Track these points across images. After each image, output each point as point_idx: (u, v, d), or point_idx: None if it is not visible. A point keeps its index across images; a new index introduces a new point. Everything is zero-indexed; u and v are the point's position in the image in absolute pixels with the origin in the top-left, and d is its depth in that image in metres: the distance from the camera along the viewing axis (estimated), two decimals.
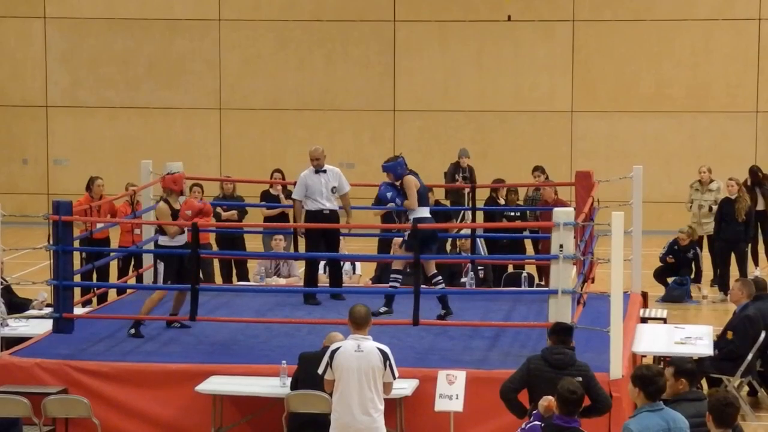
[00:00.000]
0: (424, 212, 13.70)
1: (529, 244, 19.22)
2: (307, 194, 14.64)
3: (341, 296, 14.61)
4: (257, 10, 26.95)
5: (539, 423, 8.35)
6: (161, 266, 13.09)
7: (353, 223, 14.91)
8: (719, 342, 13.52)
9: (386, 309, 13.61)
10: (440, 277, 13.77)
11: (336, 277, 14.99)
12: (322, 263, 16.83)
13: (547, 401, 8.53)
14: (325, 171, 14.69)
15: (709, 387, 13.13)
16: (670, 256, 19.18)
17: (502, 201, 18.66)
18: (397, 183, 13.71)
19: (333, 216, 14.70)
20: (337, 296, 14.69)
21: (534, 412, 8.85)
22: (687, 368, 8.89)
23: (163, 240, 13.22)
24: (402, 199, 13.62)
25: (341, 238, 16.75)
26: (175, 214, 13.20)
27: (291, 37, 26.85)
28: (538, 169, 19.44)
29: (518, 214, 18.30)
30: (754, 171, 20.60)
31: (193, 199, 13.63)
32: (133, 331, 13.17)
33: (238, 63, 27.01)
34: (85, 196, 17.33)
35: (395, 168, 13.71)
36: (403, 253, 13.76)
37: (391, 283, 13.75)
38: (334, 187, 14.69)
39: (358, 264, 16.77)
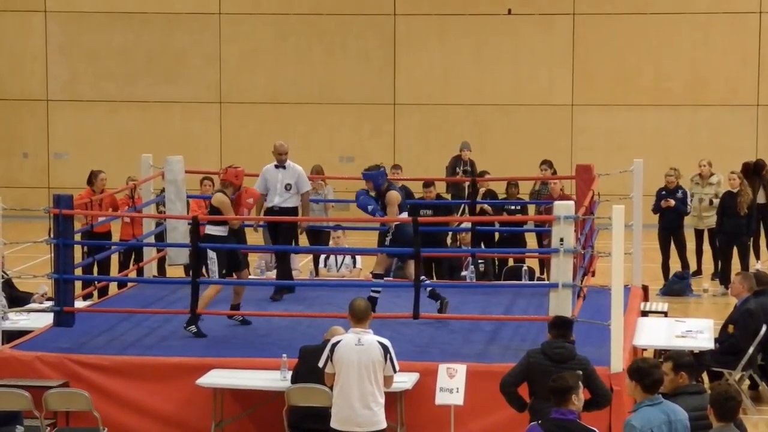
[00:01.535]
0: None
1: (530, 238, 19.21)
2: (266, 189, 14.67)
3: (292, 289, 14.75)
4: (257, 3, 26.95)
5: (537, 423, 8.31)
6: (213, 255, 13.03)
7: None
8: (720, 336, 13.53)
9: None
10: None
11: (284, 270, 14.94)
12: (322, 257, 16.85)
13: None
14: (284, 167, 14.66)
15: (710, 381, 13.14)
16: (664, 200, 19.13)
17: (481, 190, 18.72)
18: (374, 192, 13.70)
19: (284, 213, 14.66)
20: (289, 290, 14.76)
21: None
22: (686, 361, 8.89)
23: (213, 230, 13.19)
24: (382, 214, 13.60)
25: (342, 232, 16.74)
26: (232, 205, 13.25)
27: (290, 30, 26.85)
28: (545, 163, 19.33)
29: (519, 207, 18.29)
30: (761, 164, 20.51)
31: (252, 188, 13.77)
32: (194, 329, 12.92)
33: (238, 57, 27.01)
34: (86, 190, 17.34)
35: (377, 178, 13.66)
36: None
37: (372, 290, 13.56)
38: (289, 185, 14.64)
39: (358, 258, 16.78)
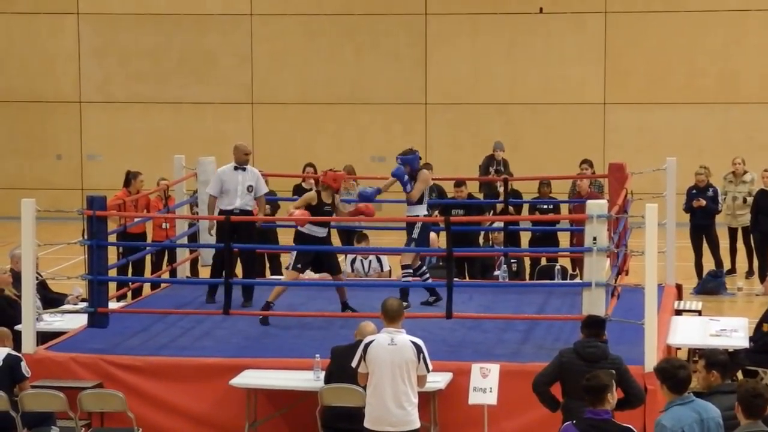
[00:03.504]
0: (423, 210, 14.02)
1: (563, 237, 19.17)
2: (222, 191, 14.47)
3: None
4: (287, 4, 27.00)
5: (572, 422, 8.28)
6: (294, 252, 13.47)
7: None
8: (755, 334, 13.46)
9: (406, 304, 13.63)
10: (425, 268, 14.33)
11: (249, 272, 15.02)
12: (348, 261, 16.77)
13: None
14: (244, 169, 14.53)
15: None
16: (696, 200, 19.08)
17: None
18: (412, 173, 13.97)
19: (244, 214, 14.47)
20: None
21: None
22: (718, 360, 8.85)
23: (304, 228, 13.54)
24: (411, 187, 13.84)
25: (366, 242, 16.72)
26: (320, 206, 13.49)
27: (321, 30, 26.88)
28: (585, 162, 19.28)
29: (551, 207, 18.26)
30: None
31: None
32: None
33: (269, 57, 27.07)
34: (123, 191, 17.42)
35: (413, 161, 14.05)
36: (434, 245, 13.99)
37: (403, 279, 13.87)
38: (250, 186, 14.53)
39: (385, 260, 16.71)
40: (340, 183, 13.79)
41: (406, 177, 13.93)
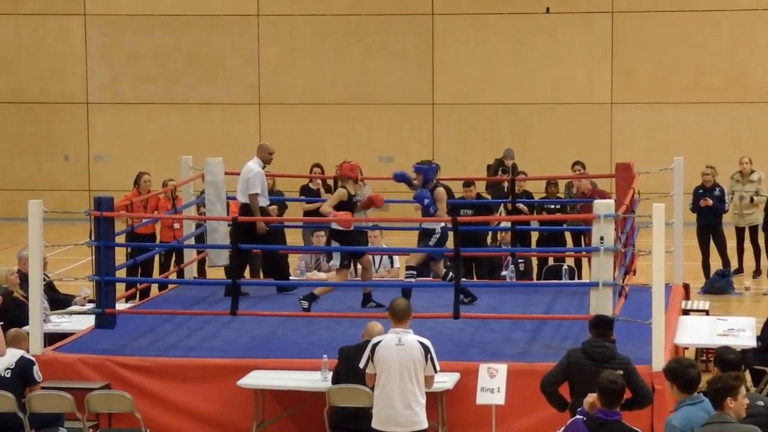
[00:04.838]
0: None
1: (570, 237, 19.16)
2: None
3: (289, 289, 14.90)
4: (295, 4, 27.01)
5: (581, 417, 8.30)
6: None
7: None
8: (762, 333, 13.43)
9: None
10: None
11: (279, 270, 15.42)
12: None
13: (593, 398, 8.46)
14: (264, 168, 14.84)
15: (753, 379, 13.06)
16: (703, 199, 19.07)
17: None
18: (425, 185, 13.96)
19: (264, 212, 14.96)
20: (284, 289, 14.95)
21: (579, 408, 8.80)
22: (724, 358, 8.86)
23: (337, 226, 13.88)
24: (435, 209, 13.87)
25: (380, 232, 16.79)
26: (350, 199, 13.81)
27: (329, 31, 26.90)
28: (578, 164, 19.35)
29: (558, 207, 18.26)
30: None
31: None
32: (306, 304, 13.64)
33: (276, 58, 27.09)
34: (133, 191, 17.44)
35: (428, 172, 14.00)
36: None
37: (406, 279, 13.89)
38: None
39: (395, 258, 16.76)
40: (357, 171, 14.06)
41: (427, 200, 13.88)
